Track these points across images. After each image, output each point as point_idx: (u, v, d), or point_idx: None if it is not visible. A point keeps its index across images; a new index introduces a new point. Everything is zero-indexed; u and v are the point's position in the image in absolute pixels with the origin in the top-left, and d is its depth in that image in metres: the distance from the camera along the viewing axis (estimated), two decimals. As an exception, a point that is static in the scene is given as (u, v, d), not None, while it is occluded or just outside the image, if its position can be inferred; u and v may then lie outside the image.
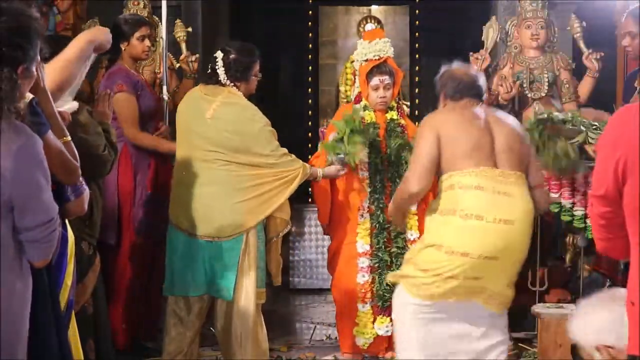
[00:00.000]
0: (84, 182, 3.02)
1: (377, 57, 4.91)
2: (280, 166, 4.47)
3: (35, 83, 2.77)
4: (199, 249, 4.47)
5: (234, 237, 4.44)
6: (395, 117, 4.99)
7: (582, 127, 4.73)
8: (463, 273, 3.54)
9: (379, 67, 4.90)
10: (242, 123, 4.46)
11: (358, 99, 5.02)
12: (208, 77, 4.60)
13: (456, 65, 4.09)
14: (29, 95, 2.73)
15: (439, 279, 3.58)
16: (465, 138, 3.68)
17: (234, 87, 4.54)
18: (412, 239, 4.85)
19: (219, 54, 4.56)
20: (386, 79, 4.90)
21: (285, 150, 4.54)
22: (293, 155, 4.57)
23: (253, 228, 4.46)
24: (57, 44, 4.17)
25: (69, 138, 2.90)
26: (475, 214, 3.52)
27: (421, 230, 4.83)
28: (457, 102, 3.92)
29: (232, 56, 4.54)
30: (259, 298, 4.57)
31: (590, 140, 4.68)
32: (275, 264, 4.69)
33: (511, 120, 3.98)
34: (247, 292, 4.48)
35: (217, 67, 4.54)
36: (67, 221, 3.15)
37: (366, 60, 4.93)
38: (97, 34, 3.49)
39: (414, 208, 4.83)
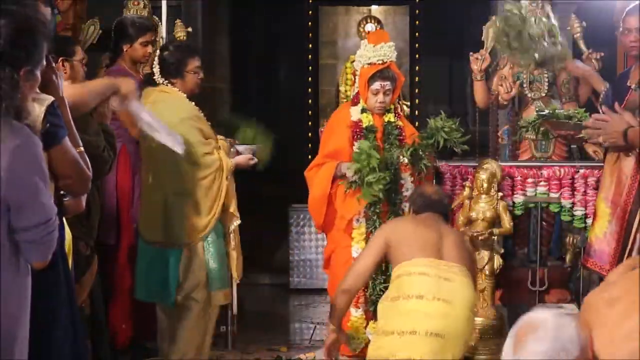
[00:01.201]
0: None
1: (381, 62, 4.85)
2: (204, 168, 4.44)
3: (54, 91, 2.80)
4: (147, 254, 4.49)
5: (177, 247, 4.44)
6: (392, 119, 4.94)
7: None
8: (416, 354, 3.71)
9: (381, 73, 4.82)
10: (165, 116, 4.37)
11: (356, 100, 4.99)
12: (146, 77, 4.60)
13: (428, 185, 4.49)
14: (50, 98, 2.74)
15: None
16: (414, 237, 3.97)
17: (169, 85, 4.51)
18: None
19: (158, 52, 4.56)
20: (387, 84, 4.84)
21: (207, 149, 4.48)
22: (211, 156, 4.50)
23: (200, 240, 4.46)
24: (57, 44, 4.19)
25: (82, 148, 2.91)
26: (416, 294, 3.78)
27: None
28: (420, 214, 4.22)
29: (165, 53, 4.53)
30: (216, 300, 4.51)
31: None
32: (234, 259, 4.66)
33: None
34: (192, 298, 4.44)
35: (154, 65, 4.54)
36: (64, 220, 3.15)
37: (369, 64, 4.89)
38: (119, 84, 3.62)
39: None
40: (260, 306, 6.56)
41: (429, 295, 3.76)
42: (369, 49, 4.86)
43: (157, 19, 5.80)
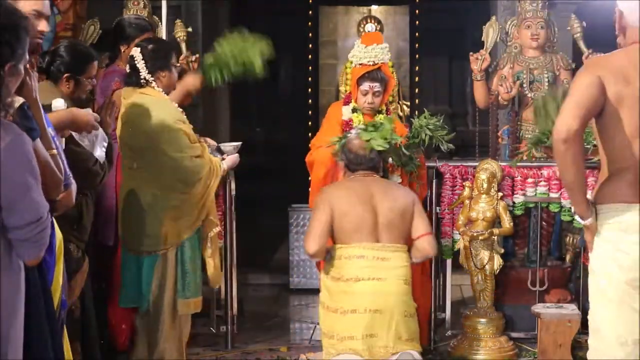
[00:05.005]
0: (71, 175, 2.97)
1: (371, 63, 4.86)
2: (193, 172, 4.31)
3: (28, 93, 2.74)
4: (127, 261, 4.43)
5: (153, 254, 4.35)
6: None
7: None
8: (359, 330, 4.01)
9: (370, 74, 4.84)
10: (147, 121, 4.28)
11: (348, 99, 4.99)
12: (128, 77, 4.44)
13: (355, 138, 4.40)
14: (20, 99, 2.69)
15: (337, 342, 4.06)
16: (353, 215, 4.13)
17: (154, 83, 4.34)
18: None
19: (136, 50, 4.39)
20: (376, 86, 4.85)
21: (196, 151, 4.35)
22: (200, 160, 4.36)
23: (175, 246, 4.37)
24: (71, 57, 4.17)
25: (56, 151, 2.86)
26: (354, 277, 4.07)
27: None
28: (353, 172, 4.34)
29: (150, 46, 4.38)
30: (184, 308, 4.42)
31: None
32: (211, 266, 4.56)
33: (399, 192, 4.30)
34: (164, 305, 4.37)
35: (136, 63, 4.35)
36: (54, 220, 3.13)
37: (360, 64, 4.89)
38: (78, 116, 3.55)
39: None
40: (260, 306, 6.56)
41: (365, 276, 4.03)
42: (361, 49, 4.91)
43: (157, 19, 5.80)
